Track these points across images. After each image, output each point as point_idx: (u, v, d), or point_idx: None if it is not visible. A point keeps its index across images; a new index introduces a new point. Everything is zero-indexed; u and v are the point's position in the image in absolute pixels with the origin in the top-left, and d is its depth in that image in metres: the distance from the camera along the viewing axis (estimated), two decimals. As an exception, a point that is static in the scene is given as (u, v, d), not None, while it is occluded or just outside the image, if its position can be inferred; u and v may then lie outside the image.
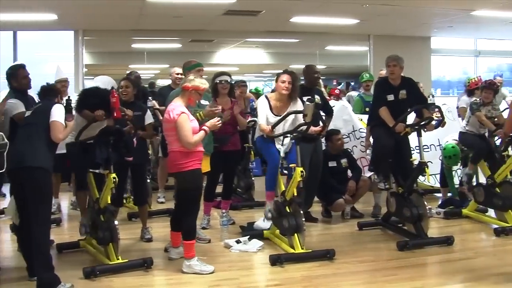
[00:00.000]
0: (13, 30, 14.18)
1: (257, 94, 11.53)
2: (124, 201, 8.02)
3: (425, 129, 7.06)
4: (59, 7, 11.42)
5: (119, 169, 6.38)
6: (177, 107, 5.77)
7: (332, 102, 9.65)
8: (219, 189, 7.81)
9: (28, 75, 6.45)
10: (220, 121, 6.01)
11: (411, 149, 7.62)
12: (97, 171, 6.28)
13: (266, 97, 7.05)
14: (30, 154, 5.26)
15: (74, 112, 5.93)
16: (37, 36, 15.05)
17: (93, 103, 6.25)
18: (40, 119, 5.38)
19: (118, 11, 11.72)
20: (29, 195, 5.27)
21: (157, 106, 8.64)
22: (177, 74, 9.09)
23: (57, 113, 5.40)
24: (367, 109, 8.78)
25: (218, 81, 7.32)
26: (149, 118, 7.11)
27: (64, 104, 5.68)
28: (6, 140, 5.16)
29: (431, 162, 8.74)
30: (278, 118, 6.74)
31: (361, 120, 9.07)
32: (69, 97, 5.82)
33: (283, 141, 6.71)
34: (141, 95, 7.81)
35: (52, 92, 5.85)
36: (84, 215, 6.76)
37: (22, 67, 6.48)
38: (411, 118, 7.65)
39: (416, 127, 7.02)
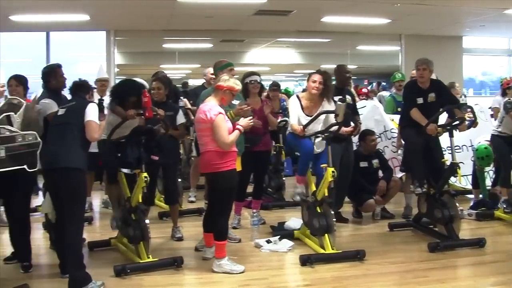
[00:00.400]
0: (46, 31, 14.38)
1: (288, 94, 11.50)
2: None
3: (457, 130, 6.98)
4: (91, 8, 11.52)
5: (151, 169, 6.42)
6: (213, 107, 5.76)
7: (363, 102, 9.59)
8: (249, 189, 7.81)
9: (63, 75, 6.51)
10: (252, 120, 6.01)
11: (443, 149, 7.54)
12: (125, 170, 6.33)
13: (298, 96, 7.02)
14: (65, 154, 5.30)
15: (106, 111, 5.97)
16: (69, 36, 15.22)
17: (124, 93, 6.35)
18: (74, 118, 5.39)
19: (149, 11, 11.79)
20: (64, 195, 5.34)
21: (189, 106, 8.66)
22: (212, 74, 9.10)
23: (92, 112, 5.41)
24: (399, 109, 8.71)
25: (248, 81, 7.31)
26: (181, 118, 7.13)
27: (97, 103, 5.73)
28: (39, 139, 5.20)
29: (463, 163, 8.62)
30: (309, 118, 6.71)
31: (393, 120, 8.99)
32: (101, 98, 5.86)
33: (314, 141, 6.69)
34: (172, 95, 7.85)
35: (84, 88, 5.86)
36: (115, 209, 6.81)
37: (59, 66, 6.55)
38: (442, 118, 7.56)
39: (448, 127, 6.95)
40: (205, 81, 9.29)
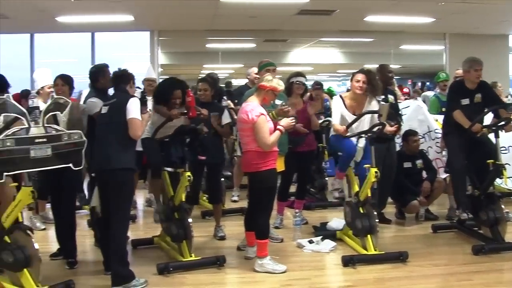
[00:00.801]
0: (91, 32, 14.59)
1: (331, 94, 11.43)
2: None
3: (503, 130, 6.85)
4: (135, 9, 11.65)
5: (196, 168, 6.46)
6: (255, 108, 5.77)
7: (407, 102, 9.47)
8: (292, 188, 7.80)
9: (110, 75, 6.57)
10: (294, 121, 5.99)
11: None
12: (169, 169, 6.37)
13: (341, 96, 6.97)
14: (111, 155, 5.37)
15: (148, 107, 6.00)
16: (114, 37, 15.41)
17: (167, 91, 6.38)
18: (117, 117, 5.40)
19: (193, 11, 11.86)
20: (112, 194, 5.42)
21: (232, 106, 8.68)
22: (256, 73, 9.11)
23: (133, 109, 5.40)
24: (444, 109, 8.58)
25: (294, 81, 7.29)
26: (226, 118, 7.14)
27: (139, 97, 5.75)
28: (84, 138, 5.26)
29: (509, 164, 8.45)
30: (353, 116, 6.66)
31: (437, 120, 8.85)
32: (144, 89, 5.87)
33: (357, 141, 6.64)
34: (216, 95, 7.88)
35: (125, 78, 5.74)
36: (158, 203, 6.86)
37: (106, 66, 6.63)
38: (488, 119, 7.41)
39: (494, 128, 6.82)
40: (248, 80, 9.30)
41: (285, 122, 5.87)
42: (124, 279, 5.36)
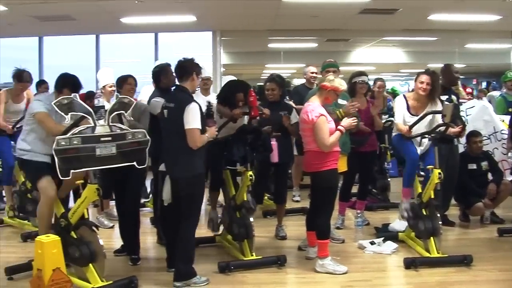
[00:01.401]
0: (154, 32, 14.81)
1: (394, 94, 11.30)
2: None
3: None
4: (198, 9, 11.75)
5: (263, 168, 6.47)
6: (316, 108, 5.76)
7: (472, 102, 9.30)
8: (354, 189, 7.74)
9: (173, 73, 6.65)
10: (356, 121, 5.96)
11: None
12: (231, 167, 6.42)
13: (404, 96, 6.88)
14: (178, 164, 5.42)
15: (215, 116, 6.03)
16: (176, 37, 15.60)
17: (232, 92, 6.40)
18: (177, 126, 5.31)
19: (255, 11, 11.89)
20: (183, 195, 5.47)
21: (294, 106, 8.66)
22: (312, 73, 9.11)
23: (191, 118, 5.30)
24: (510, 110, 8.38)
25: (356, 81, 7.24)
26: (295, 117, 7.13)
27: (205, 110, 5.73)
28: (148, 137, 5.36)
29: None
30: (415, 118, 6.57)
31: (503, 121, 8.66)
32: (209, 102, 5.90)
33: (420, 141, 6.54)
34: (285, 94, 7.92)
35: (185, 70, 5.56)
36: (214, 210, 6.92)
37: (168, 65, 6.71)
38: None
39: None
40: (305, 80, 9.29)
41: (346, 122, 5.83)
42: (186, 276, 5.44)
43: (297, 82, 15.50)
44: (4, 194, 9.25)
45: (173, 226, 5.62)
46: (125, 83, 6.52)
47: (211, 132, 5.52)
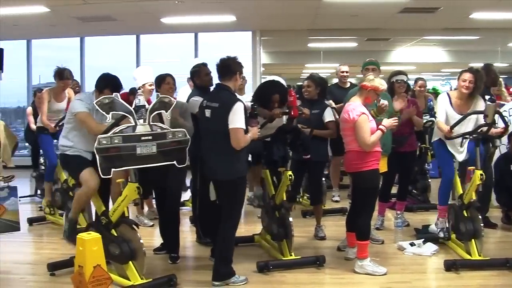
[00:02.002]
0: (194, 32, 14.89)
1: (435, 94, 11.15)
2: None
3: None
4: (238, 9, 11.78)
5: (298, 167, 6.46)
6: (357, 107, 5.73)
7: (512, 103, 9.13)
8: (394, 190, 7.68)
9: (210, 73, 6.66)
10: (398, 121, 5.91)
11: None
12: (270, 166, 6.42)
13: (448, 94, 6.80)
14: (219, 167, 5.44)
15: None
16: (216, 37, 15.66)
17: (267, 94, 6.39)
18: (220, 125, 5.30)
19: (294, 11, 11.87)
20: (224, 197, 5.52)
21: (334, 105, 8.64)
22: (342, 72, 9.09)
23: (236, 117, 5.28)
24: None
25: (394, 80, 7.18)
26: (329, 116, 7.10)
27: (249, 111, 5.74)
28: (188, 137, 5.39)
29: None
30: (458, 116, 6.48)
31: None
32: (254, 102, 5.91)
33: (462, 142, 6.46)
34: (325, 93, 7.93)
35: (228, 69, 5.50)
36: (256, 187, 6.91)
37: (204, 65, 6.74)
38: None
39: None
40: (340, 78, 9.26)
41: (387, 122, 5.79)
42: (225, 276, 5.47)
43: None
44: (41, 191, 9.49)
45: (213, 223, 5.65)
46: (163, 82, 6.53)
47: (253, 132, 5.51)
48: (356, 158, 5.76)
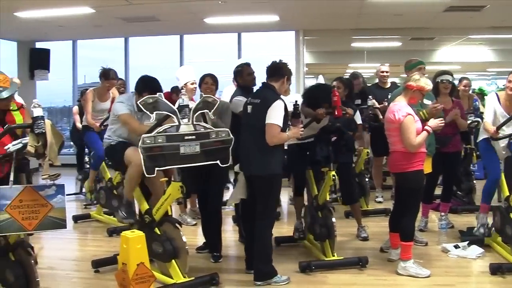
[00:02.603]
0: (237, 32, 14.94)
1: (482, 94, 10.98)
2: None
3: None
4: (281, 9, 11.78)
5: (341, 167, 6.44)
6: (402, 108, 5.68)
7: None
8: (438, 191, 7.58)
9: (252, 73, 6.67)
10: (443, 121, 5.84)
11: None
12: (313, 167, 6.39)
13: (496, 94, 6.69)
14: (254, 161, 5.48)
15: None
16: (259, 37, 15.68)
17: (317, 99, 6.36)
18: (259, 120, 5.39)
19: (338, 11, 11.83)
20: (258, 194, 5.53)
21: (377, 105, 8.58)
22: (382, 72, 9.02)
23: (274, 114, 5.35)
24: None
25: (439, 80, 7.10)
26: (357, 119, 7.09)
27: (292, 109, 5.76)
28: (231, 136, 5.40)
29: None
30: (506, 116, 6.37)
31: None
32: (296, 101, 5.92)
33: (508, 142, 6.34)
34: (353, 94, 7.88)
35: (279, 71, 5.61)
36: (298, 219, 6.90)
37: (247, 64, 6.75)
38: None
39: None
40: (380, 78, 9.19)
41: (433, 123, 5.72)
42: (266, 276, 5.48)
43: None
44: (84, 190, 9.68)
45: (250, 226, 5.67)
46: (202, 82, 6.65)
47: (294, 131, 5.53)
48: (401, 158, 5.70)
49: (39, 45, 15.68)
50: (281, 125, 5.36)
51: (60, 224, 4.90)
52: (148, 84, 5.79)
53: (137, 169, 5.50)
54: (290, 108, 5.71)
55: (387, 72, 9.11)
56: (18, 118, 5.25)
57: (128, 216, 5.92)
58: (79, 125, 9.14)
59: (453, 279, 5.66)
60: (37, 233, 5.37)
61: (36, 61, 15.20)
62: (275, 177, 5.50)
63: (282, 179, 5.71)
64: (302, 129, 5.69)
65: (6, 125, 5.04)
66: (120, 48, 15.62)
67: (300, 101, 6.12)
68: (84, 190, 10.21)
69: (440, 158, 6.88)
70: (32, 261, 4.77)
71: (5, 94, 5.02)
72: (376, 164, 9.28)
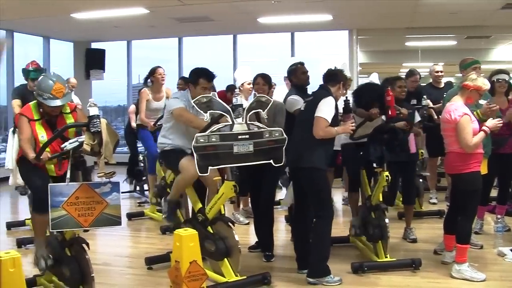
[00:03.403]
0: (290, 32, 14.94)
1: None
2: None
3: None
4: (334, 8, 11.73)
5: (393, 168, 6.37)
6: (459, 108, 5.60)
7: None
8: (494, 193, 7.45)
9: (306, 71, 6.69)
10: (501, 121, 5.72)
11: None
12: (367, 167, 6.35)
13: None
14: (301, 154, 5.50)
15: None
16: (313, 36, 15.65)
17: (369, 100, 6.31)
18: (309, 115, 5.48)
19: (392, 10, 11.71)
20: (308, 192, 5.56)
21: (431, 105, 8.47)
22: (436, 72, 8.89)
23: (322, 107, 5.43)
24: None
25: (495, 80, 6.96)
26: (417, 117, 7.00)
27: (343, 105, 5.81)
28: (285, 136, 5.40)
29: None
30: None
31: None
32: (346, 97, 5.90)
33: None
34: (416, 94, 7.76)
35: (335, 77, 5.73)
36: (355, 216, 6.85)
37: (301, 63, 6.76)
38: None
39: None
40: (434, 78, 9.05)
41: (491, 123, 5.62)
42: (320, 273, 5.49)
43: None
44: (145, 187, 9.80)
45: (301, 226, 5.68)
46: (254, 82, 6.69)
47: (345, 127, 5.56)
48: (457, 159, 5.62)
49: (94, 45, 16.01)
50: (329, 120, 5.41)
51: (115, 221, 5.00)
52: (201, 72, 5.86)
53: (187, 181, 5.66)
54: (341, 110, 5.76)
55: (441, 71, 8.99)
56: (69, 121, 5.35)
57: (168, 217, 6.07)
58: (134, 124, 9.30)
59: (509, 284, 5.52)
60: (92, 229, 5.46)
61: (92, 61, 15.54)
62: (316, 171, 5.48)
63: (326, 176, 5.69)
64: (353, 124, 5.68)
65: (64, 125, 5.16)
66: (174, 48, 15.80)
67: (350, 98, 6.12)
68: (138, 188, 10.38)
69: (496, 159, 6.75)
70: (88, 257, 4.86)
71: (53, 103, 5.12)
72: (431, 165, 9.15)
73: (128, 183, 10.80)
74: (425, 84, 9.59)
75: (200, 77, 5.77)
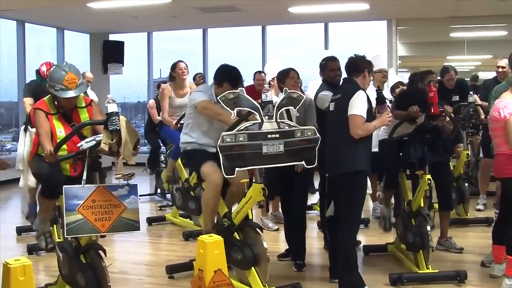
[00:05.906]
0: (324, 22, 14.88)
1: None
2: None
3: None
4: (372, -4, 11.69)
5: (437, 170, 6.31)
6: (508, 105, 5.52)
7: None
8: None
9: (336, 68, 6.53)
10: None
11: None
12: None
13: None
14: (339, 157, 5.44)
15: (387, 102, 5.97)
16: (348, 27, 15.58)
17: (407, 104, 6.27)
18: (342, 114, 5.37)
19: (435, -3, 11.63)
20: (341, 195, 5.51)
21: (479, 102, 8.37)
22: (498, 67, 8.76)
23: (355, 104, 5.33)
24: None
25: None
26: None
27: (376, 96, 5.77)
28: (318, 135, 5.36)
29: None
30: None
31: None
32: (378, 87, 5.84)
33: None
34: (457, 89, 7.69)
35: (356, 66, 5.61)
36: (387, 207, 6.80)
37: (332, 59, 6.70)
38: None
39: None
40: (496, 74, 8.92)
41: (546, 122, 5.52)
42: (350, 285, 5.42)
43: (482, 75, 14.89)
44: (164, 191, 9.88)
45: (335, 232, 5.65)
46: (288, 77, 6.54)
47: (382, 119, 5.51)
48: (506, 162, 5.54)
49: (112, 37, 16.10)
50: (365, 116, 5.32)
51: (133, 226, 5.01)
52: (228, 74, 5.86)
53: (213, 190, 5.64)
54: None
55: (502, 67, 8.76)
56: (84, 115, 5.40)
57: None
58: (156, 118, 9.34)
59: None
60: (110, 235, 5.48)
61: (110, 54, 15.61)
62: (359, 173, 5.43)
63: (367, 179, 5.67)
64: (390, 114, 5.63)
65: (81, 123, 5.19)
66: (198, 40, 15.85)
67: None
68: (159, 191, 10.44)
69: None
70: (104, 265, 4.88)
71: (65, 95, 5.16)
72: (485, 167, 8.96)
73: (149, 174, 10.90)
74: (488, 79, 9.45)
75: (225, 81, 5.76)
